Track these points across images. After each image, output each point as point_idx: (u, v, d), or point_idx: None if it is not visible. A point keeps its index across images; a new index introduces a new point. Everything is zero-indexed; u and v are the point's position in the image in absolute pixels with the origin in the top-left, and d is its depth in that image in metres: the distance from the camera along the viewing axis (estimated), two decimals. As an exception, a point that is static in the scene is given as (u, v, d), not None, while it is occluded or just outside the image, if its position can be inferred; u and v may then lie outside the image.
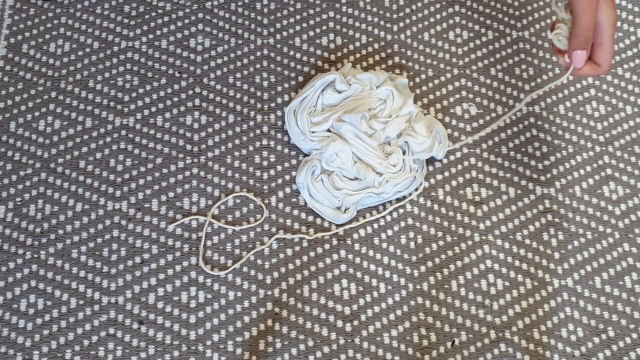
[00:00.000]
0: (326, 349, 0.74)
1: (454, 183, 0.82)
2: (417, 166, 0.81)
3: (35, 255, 0.78)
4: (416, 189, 0.81)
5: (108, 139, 0.83)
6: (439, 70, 0.88)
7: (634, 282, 0.79)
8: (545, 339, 0.76)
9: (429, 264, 0.78)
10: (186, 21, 0.89)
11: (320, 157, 0.80)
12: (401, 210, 0.80)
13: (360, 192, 0.79)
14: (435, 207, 0.81)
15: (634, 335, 0.76)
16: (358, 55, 0.88)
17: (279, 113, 0.85)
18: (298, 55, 0.88)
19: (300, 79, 0.86)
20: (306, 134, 0.81)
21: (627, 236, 0.81)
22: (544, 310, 0.77)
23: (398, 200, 0.81)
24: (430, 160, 0.83)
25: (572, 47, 0.65)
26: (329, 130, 0.81)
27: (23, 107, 0.84)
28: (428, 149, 0.80)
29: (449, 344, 0.75)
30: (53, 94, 0.85)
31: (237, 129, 0.84)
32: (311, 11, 0.91)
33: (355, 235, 0.79)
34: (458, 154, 0.83)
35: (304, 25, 0.90)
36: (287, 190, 0.81)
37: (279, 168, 0.82)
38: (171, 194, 0.81)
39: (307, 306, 0.76)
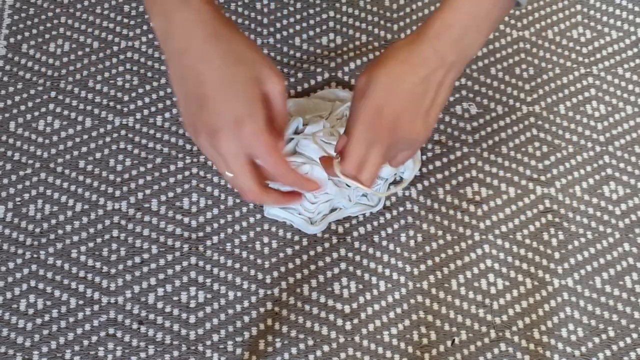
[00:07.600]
0: (326, 348, 0.74)
1: (454, 182, 0.82)
2: (381, 182, 0.78)
3: (35, 255, 0.78)
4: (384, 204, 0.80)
5: (108, 139, 0.83)
6: (438, 70, 0.88)
7: (634, 282, 0.78)
8: (545, 338, 0.76)
9: (429, 262, 0.78)
10: (186, 21, 0.89)
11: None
12: (401, 209, 0.80)
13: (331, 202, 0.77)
14: (435, 205, 0.81)
15: (634, 335, 0.76)
16: (358, 52, 0.88)
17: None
18: (298, 55, 0.88)
19: (300, 75, 0.86)
20: None
21: (627, 236, 0.81)
22: (544, 310, 0.77)
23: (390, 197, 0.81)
24: (430, 161, 0.83)
25: None
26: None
27: (23, 107, 0.85)
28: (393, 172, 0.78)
29: (449, 343, 0.75)
30: (53, 94, 0.85)
31: (237, 129, 0.84)
32: (311, 11, 0.91)
33: (355, 233, 0.79)
34: (458, 153, 0.83)
35: (304, 25, 0.90)
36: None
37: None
38: (171, 194, 0.81)
39: (307, 305, 0.76)
